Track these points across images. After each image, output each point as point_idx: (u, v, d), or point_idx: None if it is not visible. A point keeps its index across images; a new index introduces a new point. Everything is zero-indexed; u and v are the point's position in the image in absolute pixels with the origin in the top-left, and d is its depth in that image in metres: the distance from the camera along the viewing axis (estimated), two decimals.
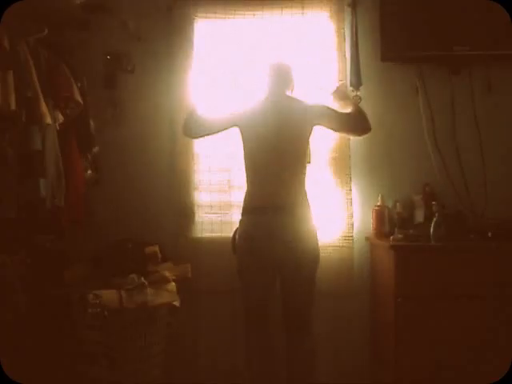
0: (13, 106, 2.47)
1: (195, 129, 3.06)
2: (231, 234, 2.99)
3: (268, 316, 2.92)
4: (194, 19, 3.44)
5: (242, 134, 2.96)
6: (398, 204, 3.31)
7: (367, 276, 3.39)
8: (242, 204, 2.94)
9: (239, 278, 2.92)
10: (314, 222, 2.90)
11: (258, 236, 2.81)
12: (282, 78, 3.02)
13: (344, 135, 3.25)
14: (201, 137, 3.13)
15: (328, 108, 3.02)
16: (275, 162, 2.86)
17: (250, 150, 2.93)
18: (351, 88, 3.37)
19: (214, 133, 3.06)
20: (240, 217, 2.93)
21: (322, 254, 2.96)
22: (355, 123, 3.02)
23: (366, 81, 3.37)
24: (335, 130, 3.10)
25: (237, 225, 2.95)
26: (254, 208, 2.87)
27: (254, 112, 2.97)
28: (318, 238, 2.91)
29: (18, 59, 2.57)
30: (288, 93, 3.02)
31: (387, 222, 3.26)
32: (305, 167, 2.94)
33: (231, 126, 3.01)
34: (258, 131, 2.91)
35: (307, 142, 2.95)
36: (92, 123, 3.19)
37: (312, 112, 2.97)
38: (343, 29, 3.41)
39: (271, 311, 2.93)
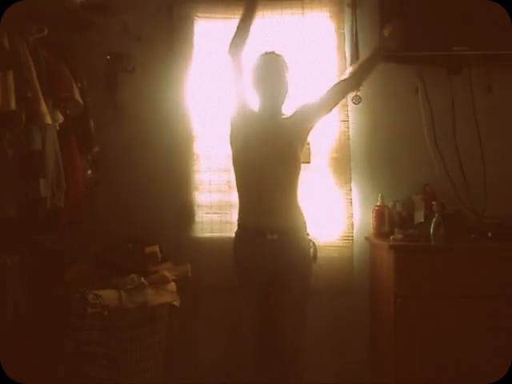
0: (13, 106, 2.47)
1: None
2: (230, 233, 2.98)
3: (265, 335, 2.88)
4: (194, 19, 3.45)
5: (233, 146, 2.88)
6: (397, 204, 3.31)
7: (367, 276, 3.39)
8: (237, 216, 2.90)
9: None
10: (307, 241, 2.84)
11: (255, 257, 2.79)
12: (277, 84, 2.84)
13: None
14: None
15: (311, 103, 2.91)
16: (269, 176, 2.77)
17: (243, 166, 2.85)
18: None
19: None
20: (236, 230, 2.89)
21: (322, 254, 2.97)
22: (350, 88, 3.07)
23: (366, 81, 3.37)
24: (336, 104, 3.03)
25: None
26: (253, 229, 2.80)
27: (248, 127, 2.86)
28: (312, 254, 2.87)
29: (18, 59, 2.57)
30: (282, 99, 2.86)
31: (387, 222, 3.26)
32: (299, 174, 2.85)
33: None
34: (251, 148, 2.80)
35: (301, 148, 2.86)
36: (92, 123, 3.20)
37: (302, 118, 2.88)
38: (343, 29, 3.42)
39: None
